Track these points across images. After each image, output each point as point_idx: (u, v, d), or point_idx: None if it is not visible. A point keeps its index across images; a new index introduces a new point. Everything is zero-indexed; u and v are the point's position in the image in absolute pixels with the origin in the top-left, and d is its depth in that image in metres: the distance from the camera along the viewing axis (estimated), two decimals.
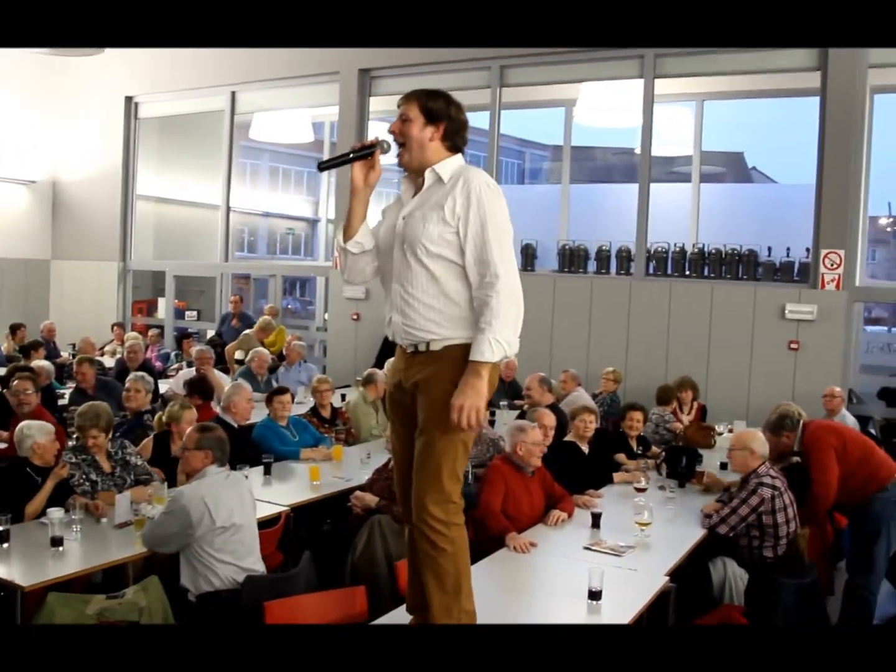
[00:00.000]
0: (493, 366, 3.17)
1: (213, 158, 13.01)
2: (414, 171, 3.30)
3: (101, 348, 11.17)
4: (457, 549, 3.29)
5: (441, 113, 3.25)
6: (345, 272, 3.46)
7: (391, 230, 3.30)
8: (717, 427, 7.98)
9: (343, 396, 8.74)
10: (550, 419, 5.97)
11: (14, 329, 11.64)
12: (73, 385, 9.25)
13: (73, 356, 10.56)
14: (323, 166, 3.40)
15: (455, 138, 3.29)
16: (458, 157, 3.31)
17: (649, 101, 9.81)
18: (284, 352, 10.58)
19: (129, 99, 13.59)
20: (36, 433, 5.08)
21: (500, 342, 3.07)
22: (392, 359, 3.58)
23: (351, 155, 3.29)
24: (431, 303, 3.18)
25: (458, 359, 3.17)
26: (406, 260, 3.20)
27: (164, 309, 13.86)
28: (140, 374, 6.90)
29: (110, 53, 11.85)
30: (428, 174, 3.25)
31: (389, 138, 3.27)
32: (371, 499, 5.37)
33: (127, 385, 6.78)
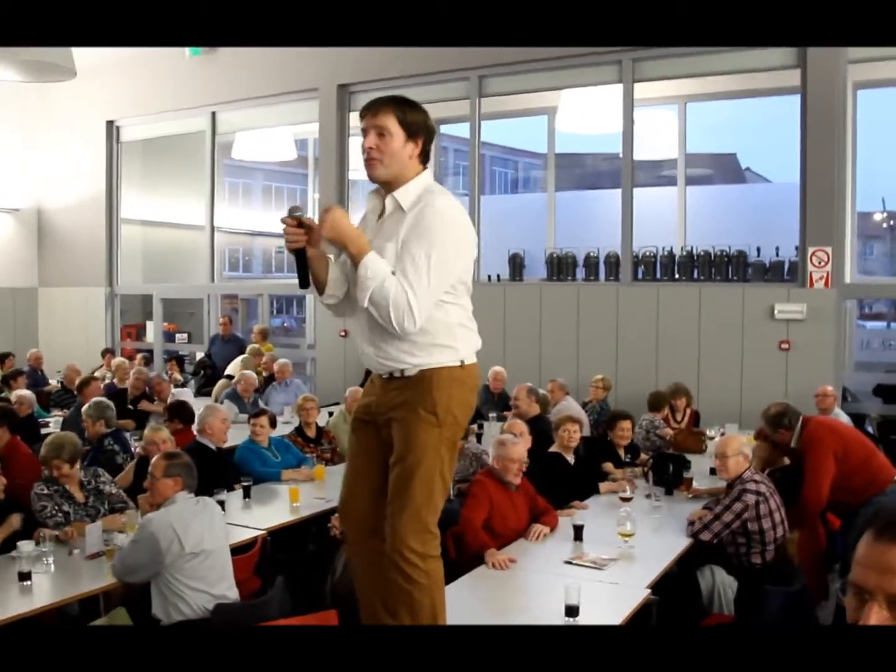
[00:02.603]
0: (459, 381, 3.15)
1: (199, 179, 12.97)
2: (384, 185, 3.15)
3: (91, 374, 11.04)
4: (432, 581, 3.18)
5: (421, 127, 3.10)
6: (335, 312, 3.37)
7: None
8: (708, 431, 7.88)
9: (330, 414, 8.66)
10: (518, 426, 5.93)
11: (2, 358, 11.58)
12: (60, 412, 9.23)
13: (60, 383, 10.51)
14: (303, 284, 3.14)
15: (428, 150, 3.17)
16: (425, 175, 3.15)
17: (629, 105, 9.75)
18: (264, 371, 10.50)
19: (110, 123, 13.56)
20: None
21: (366, 283, 2.96)
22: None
23: (295, 255, 3.10)
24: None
25: (432, 382, 3.10)
26: None
27: (152, 332, 13.79)
28: (95, 400, 6.82)
29: (89, 78, 11.78)
30: (388, 202, 3.12)
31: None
32: None
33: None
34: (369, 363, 3.23)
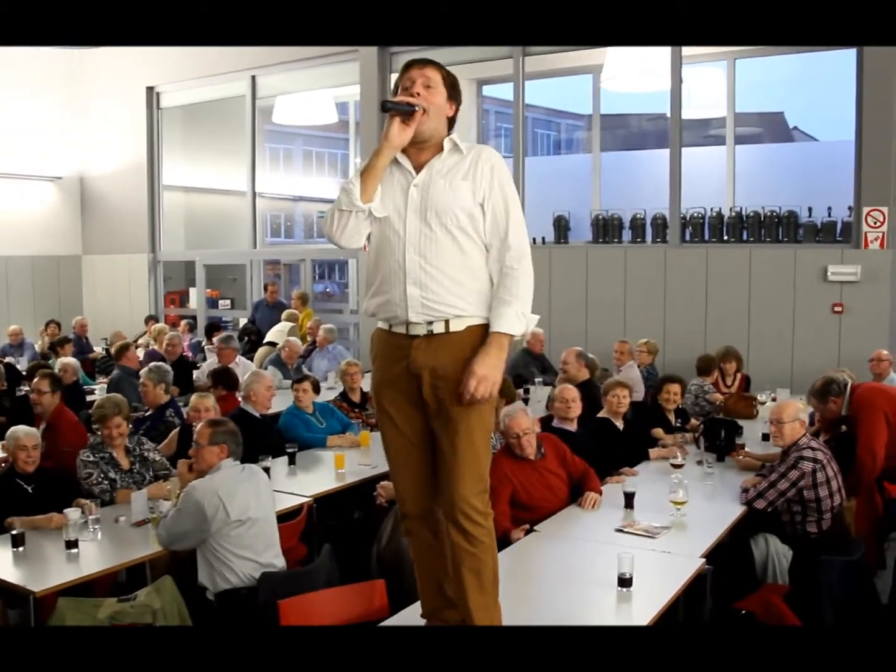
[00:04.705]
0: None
1: (240, 144, 12.90)
2: (419, 140, 3.06)
3: (135, 341, 11.11)
4: (492, 538, 3.14)
5: (458, 93, 3.15)
6: (342, 235, 3.07)
7: (398, 197, 3.07)
8: (759, 396, 7.71)
9: None
10: (570, 392, 5.78)
11: (46, 325, 11.69)
12: (105, 379, 9.27)
13: (106, 350, 10.56)
14: (388, 105, 2.98)
15: (455, 120, 3.18)
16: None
17: (677, 62, 9.48)
18: (309, 337, 10.48)
19: (150, 89, 13.51)
20: (9, 441, 4.98)
21: (525, 316, 3.03)
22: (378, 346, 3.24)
23: (415, 107, 2.97)
24: (456, 276, 3.01)
25: (486, 339, 3.03)
26: (430, 229, 3.00)
27: (195, 299, 13.81)
28: (155, 364, 6.77)
29: None
30: (447, 142, 3.08)
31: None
32: None
33: (140, 380, 6.66)
34: (412, 306, 3.01)
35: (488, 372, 2.96)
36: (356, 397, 7.37)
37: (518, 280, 3.02)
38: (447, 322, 3.03)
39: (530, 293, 3.05)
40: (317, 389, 6.97)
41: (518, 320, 3.01)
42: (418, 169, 3.09)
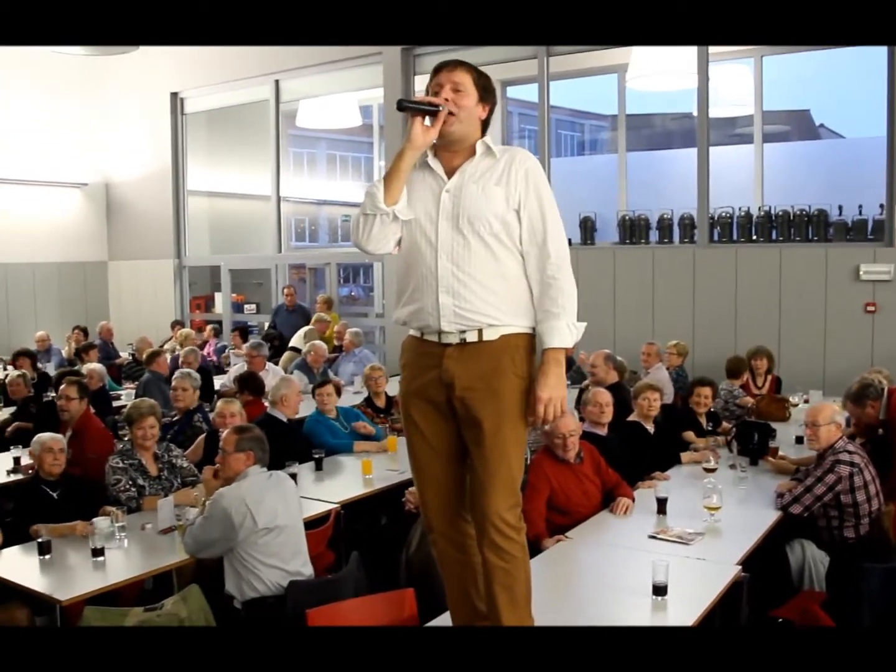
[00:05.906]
0: (534, 349, 3.05)
1: (264, 149, 12.89)
2: (451, 143, 3.00)
3: (161, 346, 11.13)
4: (525, 553, 3.07)
5: (491, 94, 3.06)
6: (369, 240, 3.01)
7: (429, 202, 3.00)
8: (791, 398, 7.57)
9: None
10: (604, 396, 5.69)
11: (74, 331, 11.73)
12: (131, 385, 9.26)
13: (132, 356, 10.56)
14: (404, 104, 2.95)
15: (489, 123, 3.09)
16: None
17: (704, 60, 9.35)
18: (335, 341, 10.44)
19: (174, 95, 13.52)
20: (35, 446, 4.99)
21: (575, 326, 2.97)
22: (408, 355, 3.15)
23: (438, 107, 2.91)
24: (490, 284, 2.94)
25: (520, 349, 2.98)
26: (462, 236, 2.93)
27: (221, 303, 13.81)
28: (186, 371, 6.73)
29: (152, 50, 11.75)
30: (479, 145, 3.01)
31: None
32: None
33: (173, 384, 6.62)
34: (444, 315, 2.94)
35: (553, 393, 2.93)
36: (381, 402, 7.30)
37: (563, 290, 2.96)
38: (480, 331, 2.95)
39: (575, 302, 3.00)
40: (338, 392, 6.90)
41: (570, 332, 2.96)
42: (450, 174, 3.01)
